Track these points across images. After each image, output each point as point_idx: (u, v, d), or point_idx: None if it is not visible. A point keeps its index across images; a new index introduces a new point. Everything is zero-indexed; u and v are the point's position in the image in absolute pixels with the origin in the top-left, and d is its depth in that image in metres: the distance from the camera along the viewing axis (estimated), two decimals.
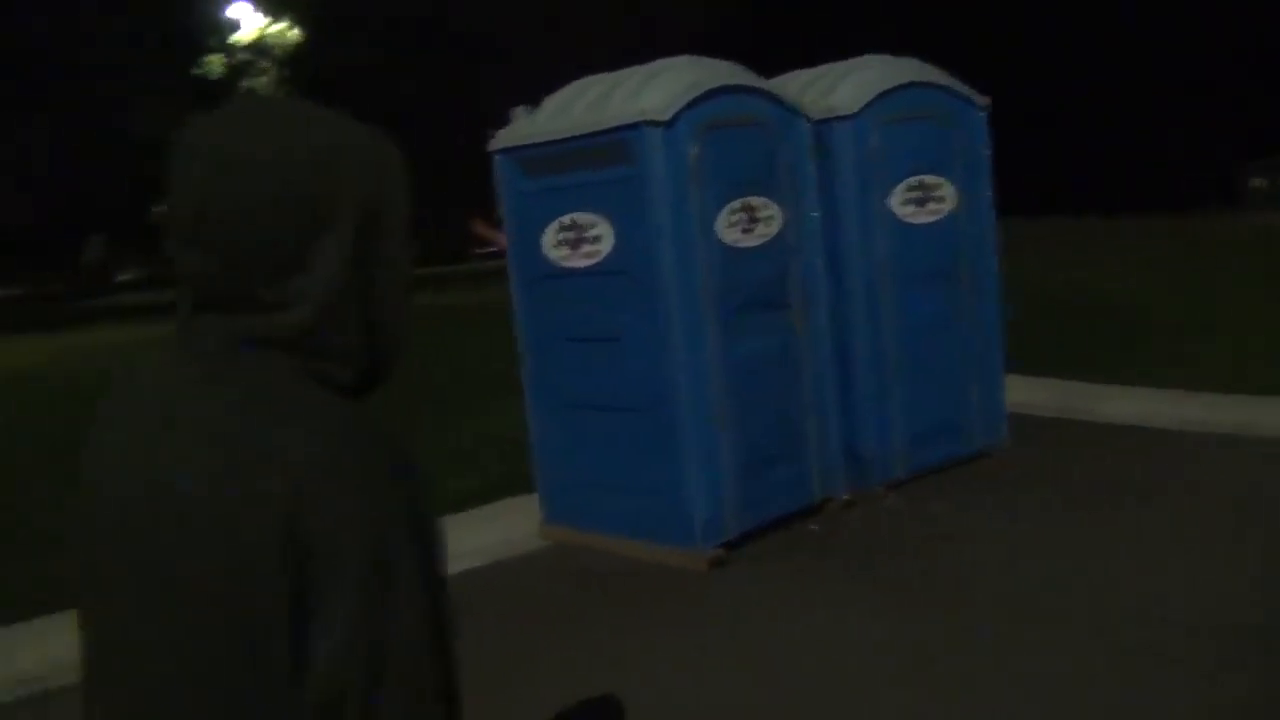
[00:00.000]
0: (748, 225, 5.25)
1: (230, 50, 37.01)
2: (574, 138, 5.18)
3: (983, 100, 6.31)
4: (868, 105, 5.78)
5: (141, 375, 1.15)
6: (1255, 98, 27.74)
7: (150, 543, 1.02)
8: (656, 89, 5.03)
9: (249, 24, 37.61)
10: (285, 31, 37.58)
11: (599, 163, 5.10)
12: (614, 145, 4.99)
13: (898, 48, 6.61)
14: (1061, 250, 18.39)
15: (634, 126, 4.90)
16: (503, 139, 5.56)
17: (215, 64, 36.85)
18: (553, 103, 5.52)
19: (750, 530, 5.36)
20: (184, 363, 1.08)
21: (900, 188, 5.95)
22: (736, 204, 5.21)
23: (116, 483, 1.08)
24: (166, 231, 1.07)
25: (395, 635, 0.98)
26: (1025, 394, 7.66)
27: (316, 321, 1.05)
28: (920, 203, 6.04)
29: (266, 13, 36.89)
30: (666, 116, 4.88)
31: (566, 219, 5.31)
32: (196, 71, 36.54)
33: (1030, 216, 23.98)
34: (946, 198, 6.14)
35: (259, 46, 37.53)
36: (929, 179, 6.06)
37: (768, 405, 5.39)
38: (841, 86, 5.87)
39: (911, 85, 6.00)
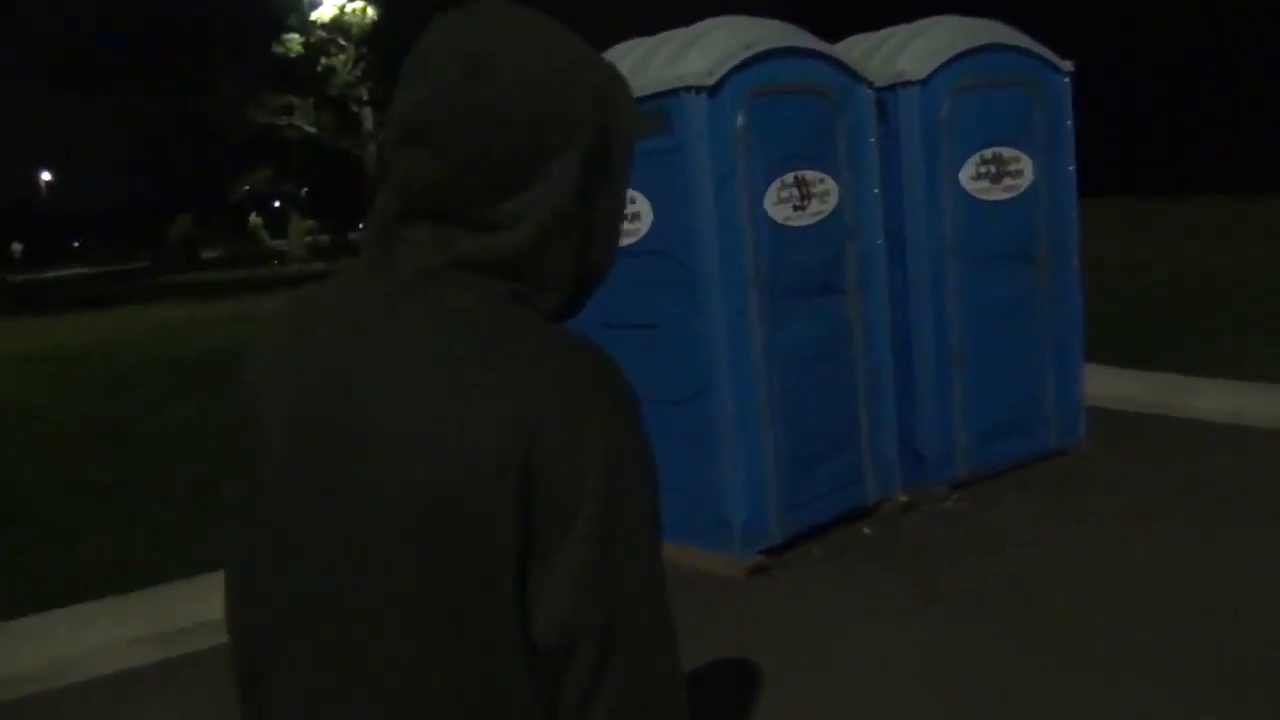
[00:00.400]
0: (800, 202, 4.80)
1: (309, 29, 37.22)
2: None
3: (1067, 65, 5.75)
4: (938, 70, 5.27)
5: (331, 296, 1.07)
6: None
7: (360, 478, 0.96)
8: (701, 51, 4.59)
9: (328, 2, 37.79)
10: (363, 10, 37.69)
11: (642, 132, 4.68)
12: (652, 115, 4.57)
13: (971, 9, 6.07)
14: (1139, 231, 17.39)
15: (674, 93, 4.48)
16: None
17: (294, 43, 37.09)
18: None
19: (798, 534, 4.93)
20: (388, 281, 1.02)
21: (972, 161, 5.43)
22: (789, 178, 4.76)
23: (309, 413, 1.01)
24: (389, 131, 1.03)
25: (632, 574, 0.95)
26: (1107, 386, 7.08)
27: (534, 246, 1.01)
28: (995, 178, 5.51)
29: None
30: (711, 81, 4.45)
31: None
32: (276, 49, 36.87)
33: (1101, 194, 22.87)
34: (1024, 172, 5.61)
35: (337, 25, 37.69)
36: (1005, 152, 5.53)
37: (818, 397, 4.94)
38: (909, 49, 5.36)
39: (988, 48, 5.47)
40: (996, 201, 5.53)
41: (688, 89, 4.43)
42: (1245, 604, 4.04)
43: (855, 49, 5.64)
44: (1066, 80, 5.76)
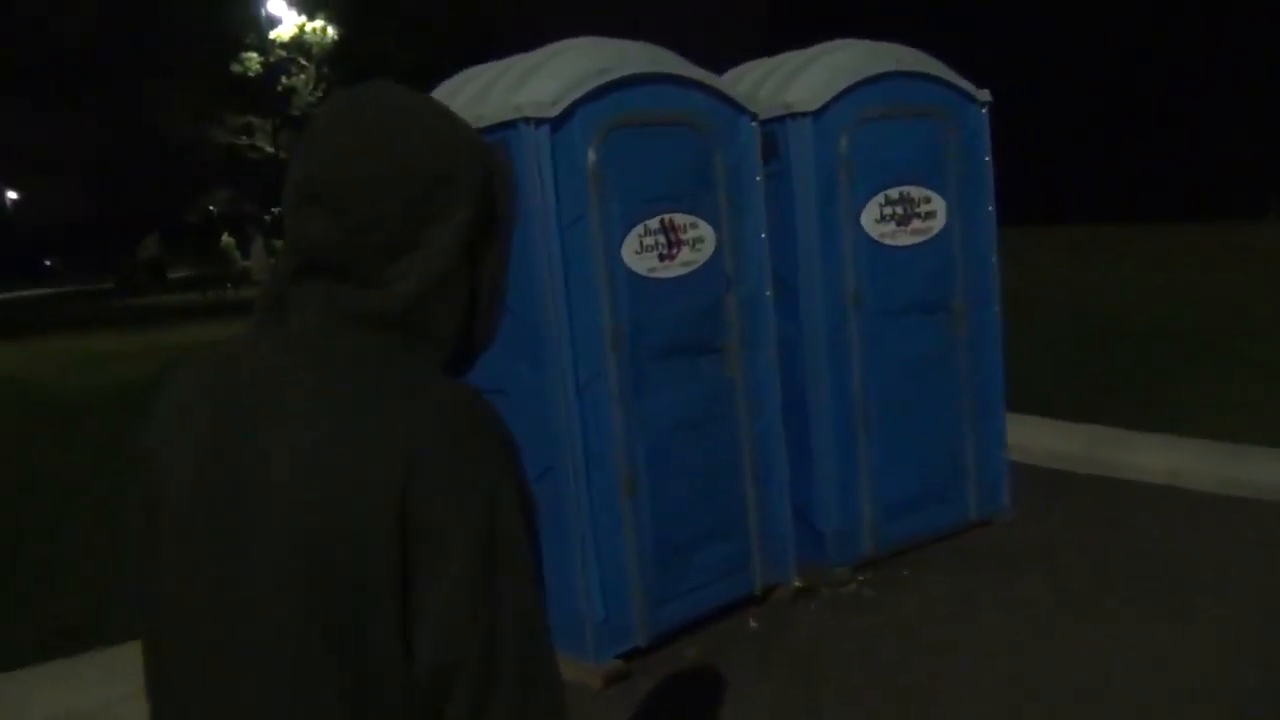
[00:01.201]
0: (667, 250, 4.19)
1: (268, 48, 36.59)
2: None
3: (984, 94, 5.18)
4: (835, 100, 4.69)
5: (227, 356, 1.13)
6: None
7: (252, 530, 1.02)
8: (546, 78, 3.98)
9: (288, 22, 37.20)
10: (323, 30, 37.12)
11: None
12: None
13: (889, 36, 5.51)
14: (1077, 263, 16.82)
15: (510, 125, 3.86)
16: None
17: (253, 62, 36.44)
18: (438, 94, 4.50)
19: (669, 632, 4.30)
20: (280, 338, 1.10)
21: (876, 202, 4.85)
22: (653, 223, 4.14)
23: (208, 473, 1.06)
24: (287, 194, 1.10)
25: (510, 609, 0.98)
26: (1035, 439, 6.51)
27: (418, 301, 1.08)
28: (902, 220, 4.93)
29: (302, 10, 36.43)
30: (554, 113, 3.83)
31: None
32: (235, 69, 36.18)
33: (1040, 224, 22.24)
34: (936, 214, 5.03)
35: (297, 44, 37.08)
36: (914, 191, 4.95)
37: (694, 472, 4.32)
38: (802, 77, 4.78)
39: (893, 76, 4.89)
40: (904, 247, 4.94)
41: (526, 120, 3.82)
42: (1179, 708, 3.44)
43: (746, 77, 5.06)
44: (983, 111, 5.20)
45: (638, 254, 4.10)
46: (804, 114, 4.63)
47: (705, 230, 4.31)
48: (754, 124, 4.49)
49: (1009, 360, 5.46)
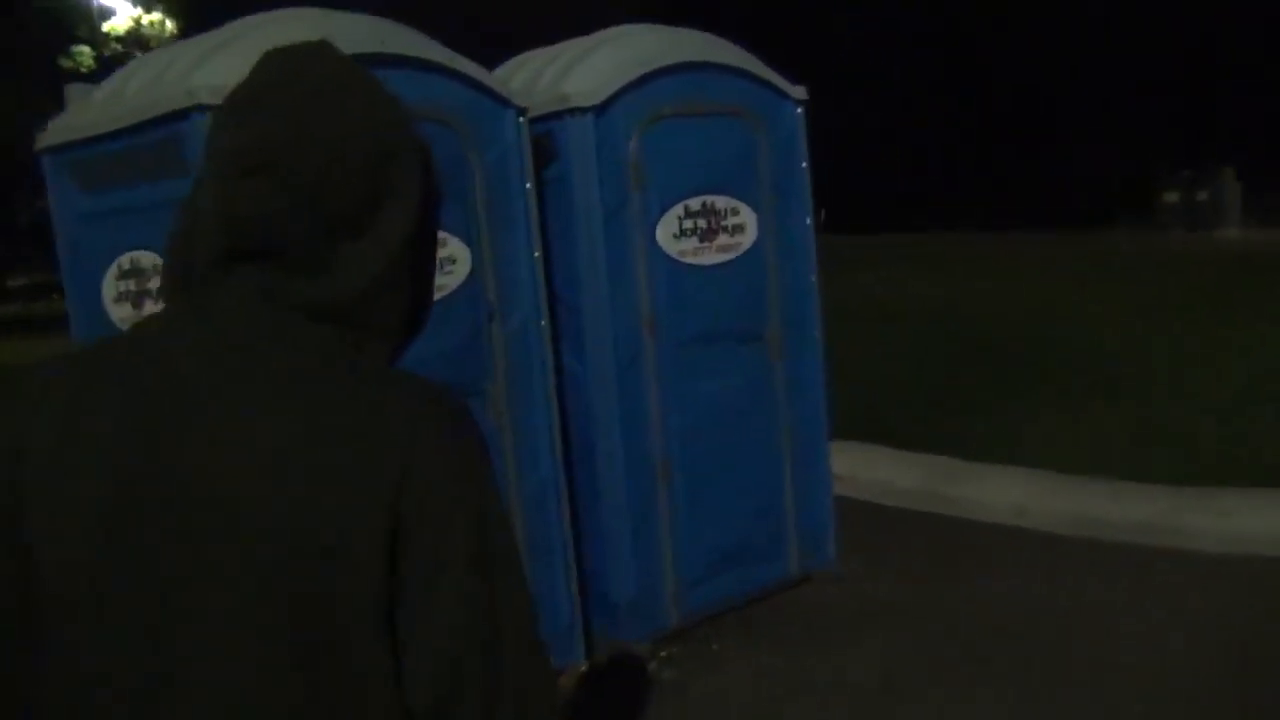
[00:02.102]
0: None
1: (101, 41, 34.35)
2: (121, 131, 3.27)
3: (799, 91, 4.54)
4: (619, 94, 3.96)
5: (128, 356, 0.97)
6: (1170, 102, 26.21)
7: (205, 543, 0.90)
8: (225, 58, 3.13)
9: (123, 13, 35.04)
10: (161, 22, 35.09)
11: (152, 171, 3.20)
12: (164, 145, 3.10)
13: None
14: (923, 274, 16.55)
15: (186, 115, 3.01)
16: (50, 134, 3.64)
17: (84, 56, 34.15)
18: (111, 83, 3.61)
19: None
20: (208, 333, 0.96)
21: (674, 214, 4.15)
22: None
23: (127, 485, 0.90)
24: (215, 167, 0.99)
25: (509, 617, 0.94)
26: (869, 470, 5.95)
27: (365, 294, 0.99)
28: (706, 235, 4.24)
29: (138, 2, 34.36)
30: (596, 101, 3.09)
31: (126, 260, 3.40)
32: (65, 63, 33.85)
33: (883, 232, 22.09)
34: (745, 227, 4.36)
35: (134, 37, 34.93)
36: (719, 201, 4.27)
37: None
38: (582, 66, 4.04)
39: (692, 67, 4.20)
40: (709, 266, 4.25)
41: (198, 107, 2.96)
42: None
43: (525, 67, 4.30)
44: (799, 111, 4.55)
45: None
46: (584, 109, 3.90)
47: (457, 249, 3.53)
48: (521, 120, 3.73)
49: (840, 382, 4.87)
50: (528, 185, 3.76)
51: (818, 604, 4.55)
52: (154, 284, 3.30)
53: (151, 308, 3.32)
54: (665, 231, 4.12)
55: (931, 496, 5.74)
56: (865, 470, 5.95)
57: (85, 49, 34.33)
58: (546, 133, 3.95)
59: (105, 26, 34.26)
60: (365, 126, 0.98)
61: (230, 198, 0.97)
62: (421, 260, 1.06)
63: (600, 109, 3.92)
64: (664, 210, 4.12)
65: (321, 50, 1.02)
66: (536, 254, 3.80)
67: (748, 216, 4.35)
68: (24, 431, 0.92)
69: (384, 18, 3.54)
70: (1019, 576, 4.67)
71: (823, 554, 4.73)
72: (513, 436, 3.72)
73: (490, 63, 4.09)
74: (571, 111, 3.88)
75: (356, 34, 3.33)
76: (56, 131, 3.59)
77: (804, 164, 4.58)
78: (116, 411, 0.92)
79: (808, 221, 4.60)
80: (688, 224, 4.18)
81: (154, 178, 3.18)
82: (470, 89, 3.60)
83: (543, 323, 3.83)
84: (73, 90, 3.65)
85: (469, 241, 3.56)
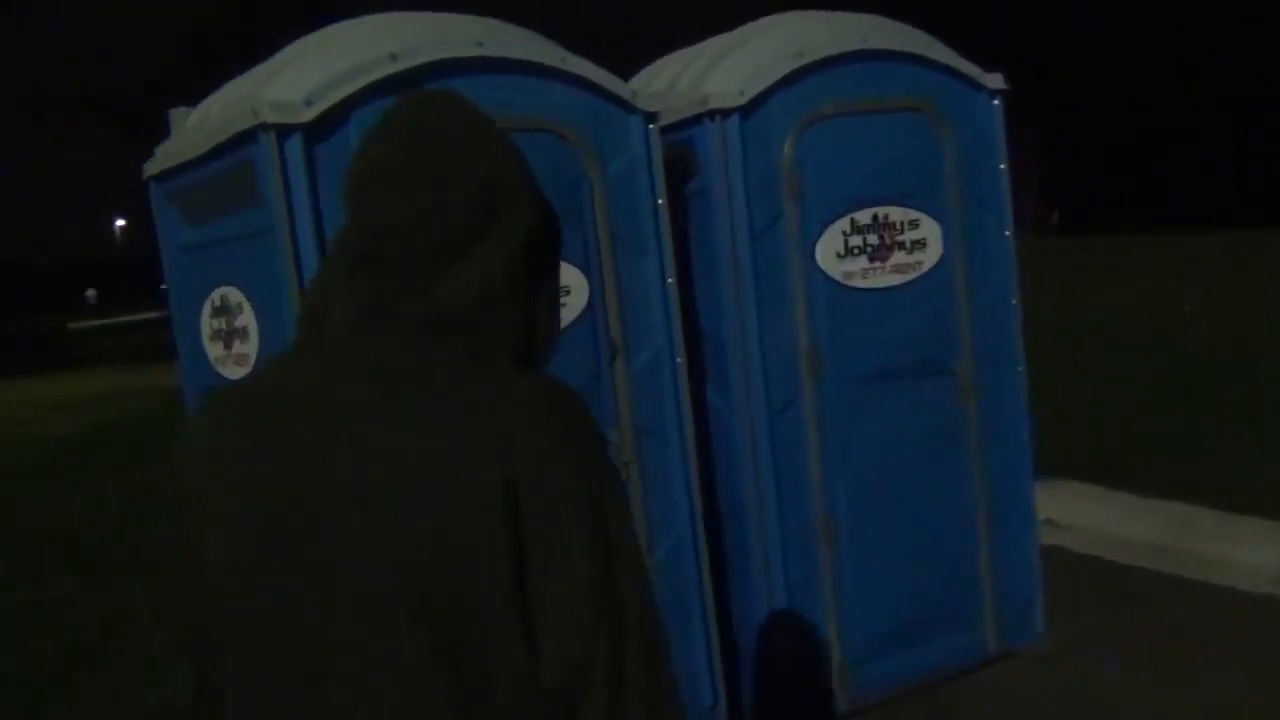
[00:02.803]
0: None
1: None
2: (201, 158, 2.98)
3: (995, 80, 3.82)
4: (770, 91, 3.40)
5: (275, 384, 1.10)
6: None
7: (346, 552, 0.98)
8: (318, 65, 2.78)
9: None
10: None
11: (229, 201, 2.89)
12: (238, 171, 2.78)
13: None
14: (1166, 281, 14.69)
15: (254, 136, 2.67)
16: (154, 161, 3.42)
17: None
18: (203, 105, 3.34)
19: None
20: (336, 353, 1.06)
21: (837, 230, 3.53)
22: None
23: (279, 505, 1.01)
24: (357, 177, 1.10)
25: (630, 600, 1.00)
26: (1087, 516, 5.08)
27: (475, 305, 1.05)
28: (877, 253, 3.60)
29: None
30: (310, 116, 2.63)
31: (217, 296, 3.12)
32: None
33: (1125, 233, 19.82)
34: (927, 241, 3.69)
35: None
36: (893, 213, 3.62)
37: None
38: (725, 63, 3.49)
39: (856, 56, 3.56)
40: (882, 290, 3.61)
41: (279, 126, 2.61)
42: None
43: (664, 71, 3.80)
44: (995, 102, 3.83)
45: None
46: (727, 111, 3.35)
47: (576, 279, 3.06)
48: (650, 127, 3.22)
49: (1055, 409, 4.09)
50: (659, 201, 3.24)
51: (1019, 688, 3.81)
52: (240, 322, 3.00)
53: (240, 347, 3.03)
54: (827, 250, 3.51)
55: (1167, 553, 4.82)
56: (1082, 516, 5.11)
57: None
58: (686, 142, 3.43)
59: None
60: (479, 162, 1.08)
61: (364, 203, 1.09)
62: (535, 286, 1.11)
63: (747, 110, 3.36)
64: (826, 226, 3.51)
65: (451, 97, 1.15)
66: (670, 280, 3.28)
67: (930, 230, 3.68)
68: (198, 452, 1.06)
69: (492, 18, 3.11)
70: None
71: (1027, 627, 3.97)
72: (641, 486, 3.21)
73: (629, 71, 3.64)
74: (712, 114, 3.34)
75: (455, 35, 2.91)
76: (158, 159, 3.36)
77: (1001, 165, 3.85)
78: (267, 435, 1.03)
79: (1006, 233, 3.88)
80: (855, 241, 3.55)
81: (231, 209, 2.88)
82: (585, 92, 3.12)
83: (679, 360, 3.30)
84: (176, 114, 3.42)
85: (586, 269, 3.08)
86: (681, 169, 3.40)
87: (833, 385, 3.54)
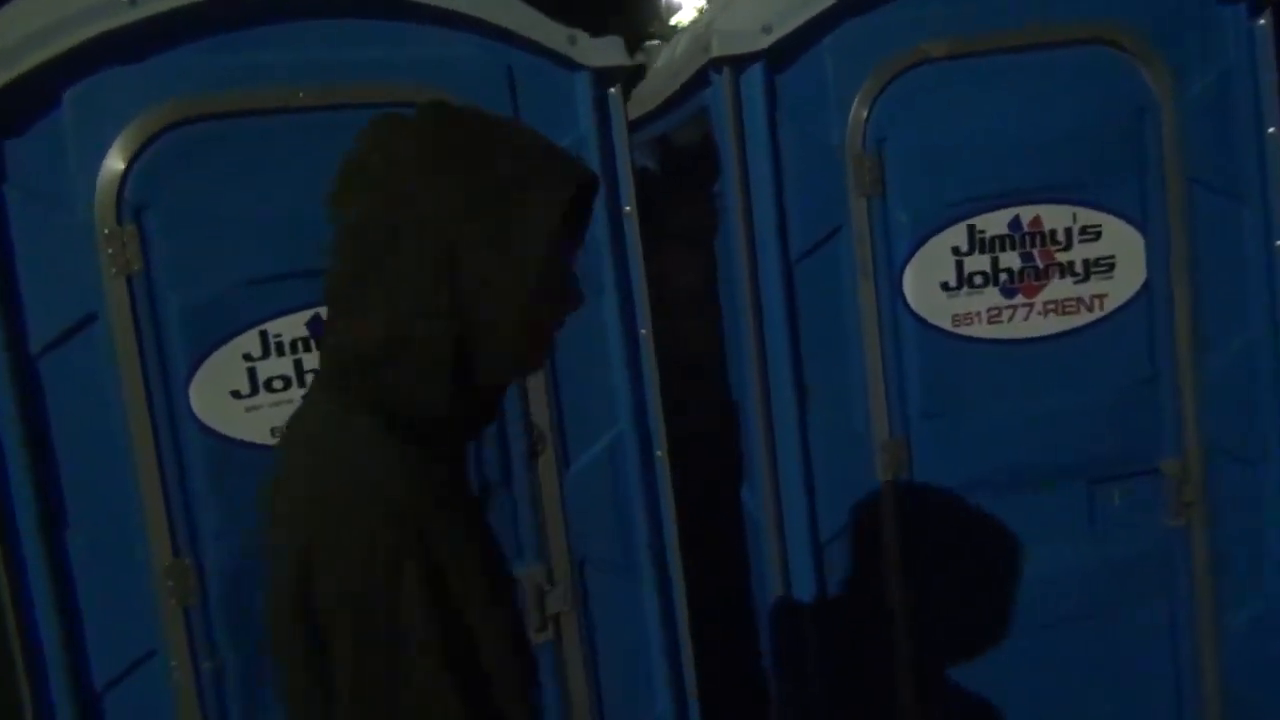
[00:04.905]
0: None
1: (673, 35, 36.46)
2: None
3: None
4: (817, 24, 2.09)
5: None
6: None
7: (270, 579, 1.07)
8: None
9: (689, 6, 36.85)
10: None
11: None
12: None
13: None
14: None
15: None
16: None
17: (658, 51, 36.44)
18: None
19: None
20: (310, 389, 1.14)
21: (941, 245, 2.17)
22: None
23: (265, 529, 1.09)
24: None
25: (402, 711, 0.96)
26: None
27: (382, 340, 0.99)
28: (1018, 283, 2.20)
29: None
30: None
31: None
32: (640, 59, 36.34)
33: None
34: (1116, 261, 2.23)
35: None
36: (1051, 215, 2.20)
37: None
38: None
39: None
40: (1026, 342, 2.22)
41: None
42: None
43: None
44: (1261, 23, 2.27)
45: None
46: (740, 58, 2.08)
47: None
48: (612, 91, 2.05)
49: None
50: (626, 208, 2.07)
51: None
52: None
53: None
54: (924, 279, 2.17)
55: None
56: None
57: (657, 44, 36.57)
58: (705, 112, 2.23)
59: (672, 20, 36.27)
60: (390, 206, 0.99)
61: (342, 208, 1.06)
62: (475, 304, 1.01)
63: (776, 55, 2.08)
64: (923, 240, 2.16)
65: (381, 122, 1.06)
66: (642, 333, 2.10)
67: (1123, 241, 2.22)
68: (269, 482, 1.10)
69: None
70: None
71: None
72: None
73: None
74: (718, 64, 2.10)
75: None
76: None
77: (1271, 129, 2.29)
78: (276, 462, 1.08)
79: (1278, 243, 2.32)
80: (977, 263, 2.18)
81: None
82: (517, 49, 2.00)
83: (660, 454, 2.13)
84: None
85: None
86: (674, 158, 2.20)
87: (928, 494, 2.21)
